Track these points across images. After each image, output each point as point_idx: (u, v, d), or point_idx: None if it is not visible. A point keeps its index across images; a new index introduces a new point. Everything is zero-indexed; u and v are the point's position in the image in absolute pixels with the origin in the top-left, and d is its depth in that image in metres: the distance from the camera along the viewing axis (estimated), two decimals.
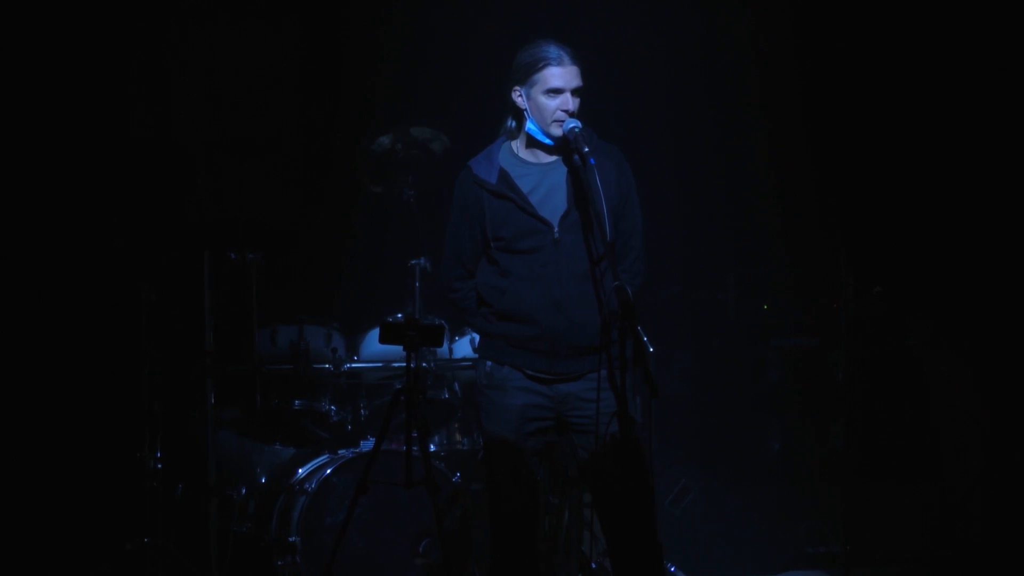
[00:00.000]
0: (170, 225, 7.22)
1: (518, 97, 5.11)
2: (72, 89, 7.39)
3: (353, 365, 6.90)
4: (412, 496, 5.58)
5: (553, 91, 5.04)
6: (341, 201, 7.70)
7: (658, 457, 5.34)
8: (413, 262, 6.84)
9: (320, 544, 6.25)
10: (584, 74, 5.06)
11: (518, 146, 5.19)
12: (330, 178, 7.68)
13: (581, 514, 6.86)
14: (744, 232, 7.83)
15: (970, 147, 7.80)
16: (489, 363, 5.18)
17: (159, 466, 6.91)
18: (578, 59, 5.06)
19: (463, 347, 7.02)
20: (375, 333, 6.75)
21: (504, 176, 5.13)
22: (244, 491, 6.93)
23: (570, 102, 5.05)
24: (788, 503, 7.45)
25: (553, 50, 5.05)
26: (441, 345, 5.65)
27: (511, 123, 5.19)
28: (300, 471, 6.68)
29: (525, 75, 5.08)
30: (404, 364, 5.41)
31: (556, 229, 5.09)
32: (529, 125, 5.13)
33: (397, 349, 5.50)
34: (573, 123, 5.06)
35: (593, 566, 6.66)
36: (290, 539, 6.38)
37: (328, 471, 6.50)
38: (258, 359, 6.80)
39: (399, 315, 6.70)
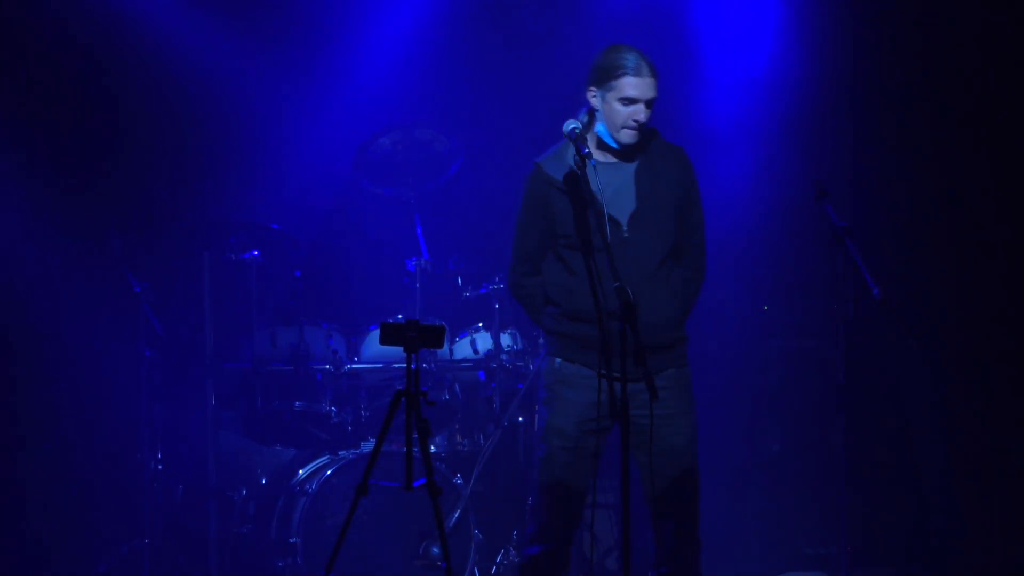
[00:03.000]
0: (169, 225, 7.21)
1: (592, 97, 5.15)
2: (66, 87, 7.43)
3: (353, 366, 6.92)
4: (413, 498, 5.55)
5: (627, 100, 5.07)
6: (341, 202, 7.70)
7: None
8: (413, 263, 6.87)
9: (321, 545, 6.25)
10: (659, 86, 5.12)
11: (588, 144, 5.19)
12: (330, 179, 7.68)
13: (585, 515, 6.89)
14: (744, 233, 7.81)
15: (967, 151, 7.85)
16: (558, 360, 5.22)
17: (159, 467, 6.95)
18: (656, 71, 5.10)
19: (463, 348, 7.06)
20: (375, 334, 6.80)
21: (573, 174, 5.15)
22: (244, 492, 6.94)
23: (642, 113, 5.08)
24: (788, 504, 7.46)
25: (632, 60, 5.08)
26: (442, 346, 5.63)
27: (583, 117, 5.19)
28: (300, 472, 6.70)
29: (602, 79, 5.11)
30: (404, 365, 5.38)
31: (625, 228, 5.12)
32: (599, 127, 5.16)
33: (397, 350, 5.46)
34: (574, 123, 5.07)
35: (593, 564, 6.68)
36: (291, 540, 6.40)
37: (329, 472, 6.52)
38: (258, 360, 6.81)
39: (399, 316, 6.70)
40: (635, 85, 5.06)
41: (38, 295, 7.27)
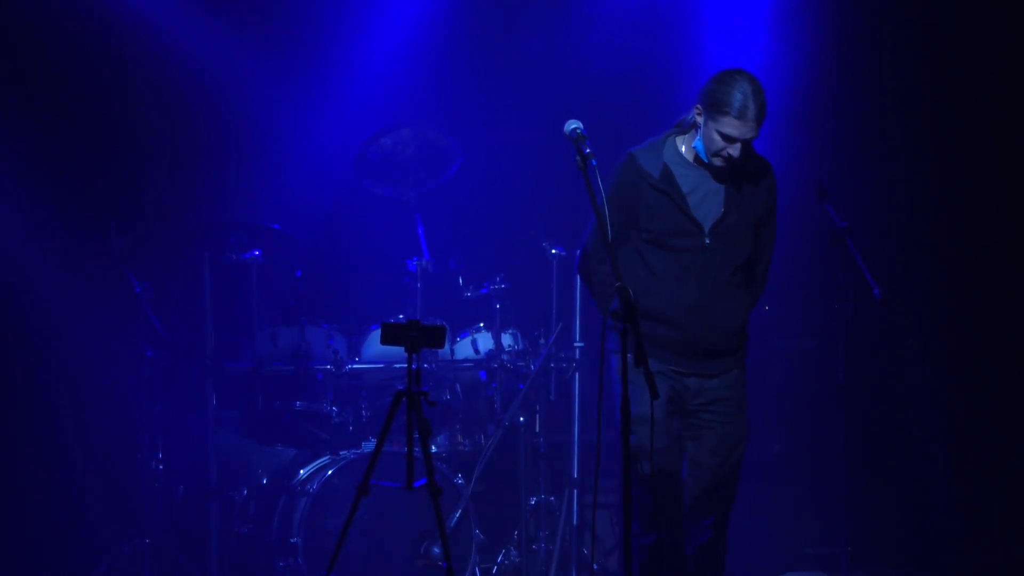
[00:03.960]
0: (169, 225, 7.21)
1: (698, 115, 5.21)
2: (66, 89, 7.43)
3: (354, 366, 6.91)
4: (414, 498, 5.56)
5: (726, 136, 5.13)
6: (342, 201, 7.71)
7: None
8: (414, 262, 6.87)
9: (322, 545, 6.25)
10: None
11: (685, 146, 5.29)
12: (331, 178, 7.68)
13: (582, 516, 6.88)
14: None
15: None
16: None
17: (160, 467, 6.95)
18: (763, 112, 5.13)
19: (464, 348, 7.05)
20: (376, 334, 6.81)
21: (667, 172, 5.25)
22: (245, 492, 6.93)
23: (737, 150, 5.14)
24: (788, 504, 7.45)
25: (739, 101, 5.10)
26: (443, 346, 5.64)
27: (691, 117, 5.26)
28: (302, 472, 6.70)
29: (708, 106, 5.16)
30: (405, 365, 5.38)
31: (707, 234, 5.22)
32: (697, 142, 5.24)
33: (398, 350, 5.47)
34: (575, 124, 5.06)
35: (595, 567, 6.67)
36: (292, 540, 6.40)
37: (329, 472, 6.52)
38: (259, 359, 6.81)
39: (400, 316, 6.69)
40: (736, 127, 5.12)
41: (39, 296, 7.28)
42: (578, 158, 4.97)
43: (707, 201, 5.25)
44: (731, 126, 5.11)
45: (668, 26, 7.95)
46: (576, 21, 7.86)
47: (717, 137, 5.14)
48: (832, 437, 6.80)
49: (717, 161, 5.19)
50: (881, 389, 7.85)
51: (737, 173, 5.25)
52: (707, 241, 5.22)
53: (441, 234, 7.26)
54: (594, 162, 4.96)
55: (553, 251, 7.01)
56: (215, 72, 7.62)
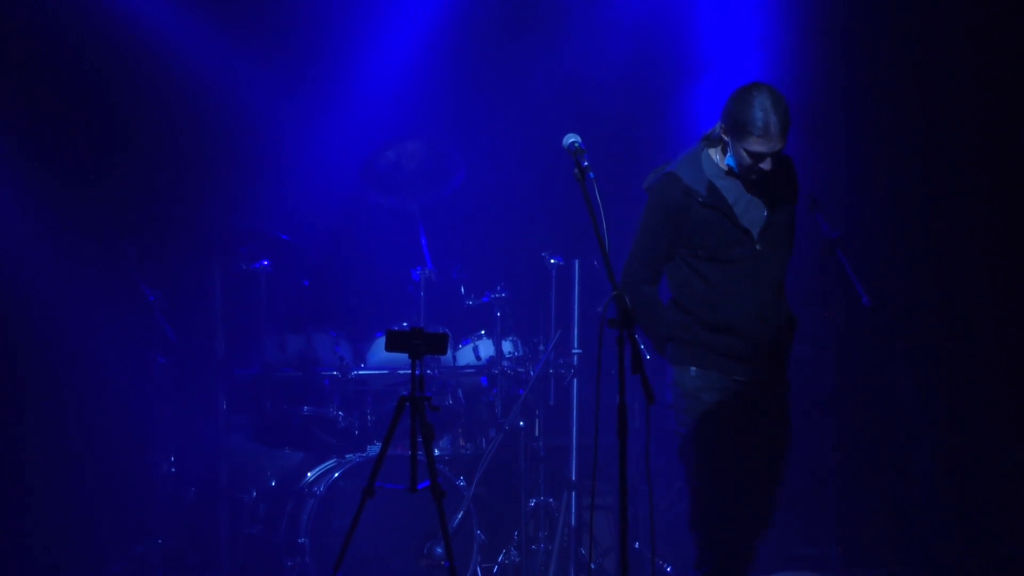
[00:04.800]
0: (181, 235, 7.23)
1: (724, 135, 5.19)
2: (80, 102, 7.44)
3: (360, 372, 6.91)
4: (417, 500, 5.58)
5: (753, 155, 5.11)
6: (348, 213, 7.72)
7: (654, 460, 5.36)
8: (417, 272, 6.90)
9: (328, 545, 6.23)
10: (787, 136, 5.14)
11: (719, 157, 5.25)
12: (337, 190, 7.69)
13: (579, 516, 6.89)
14: None
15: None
16: (693, 369, 5.25)
17: (172, 470, 6.97)
18: (786, 127, 5.10)
19: (466, 355, 7.06)
20: (381, 341, 6.77)
21: (712, 187, 5.21)
22: (254, 494, 6.93)
23: (768, 164, 5.12)
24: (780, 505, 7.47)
25: (760, 120, 5.06)
26: (445, 353, 5.66)
27: (717, 131, 5.24)
28: (309, 475, 6.70)
29: (732, 127, 5.13)
30: (409, 371, 5.41)
31: (756, 240, 5.20)
32: (729, 159, 5.22)
33: (403, 356, 5.50)
34: (574, 138, 5.09)
35: (592, 567, 6.69)
36: (299, 540, 6.39)
37: (336, 475, 6.51)
38: (267, 366, 6.82)
39: (404, 323, 6.72)
40: (762, 144, 5.08)
41: (54, 305, 7.26)
42: (576, 171, 4.96)
43: (751, 209, 5.22)
44: (757, 144, 5.07)
45: (660, 44, 7.91)
46: (573, 40, 7.81)
47: (746, 156, 5.10)
48: (823, 440, 6.80)
49: (752, 176, 5.17)
50: (870, 394, 7.82)
51: (771, 178, 5.21)
52: (758, 247, 5.20)
53: (444, 244, 7.27)
54: (592, 175, 4.95)
55: (552, 261, 6.99)
56: (225, 86, 7.62)
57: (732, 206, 5.20)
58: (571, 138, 5.04)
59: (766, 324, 5.21)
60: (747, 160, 5.13)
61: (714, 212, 5.19)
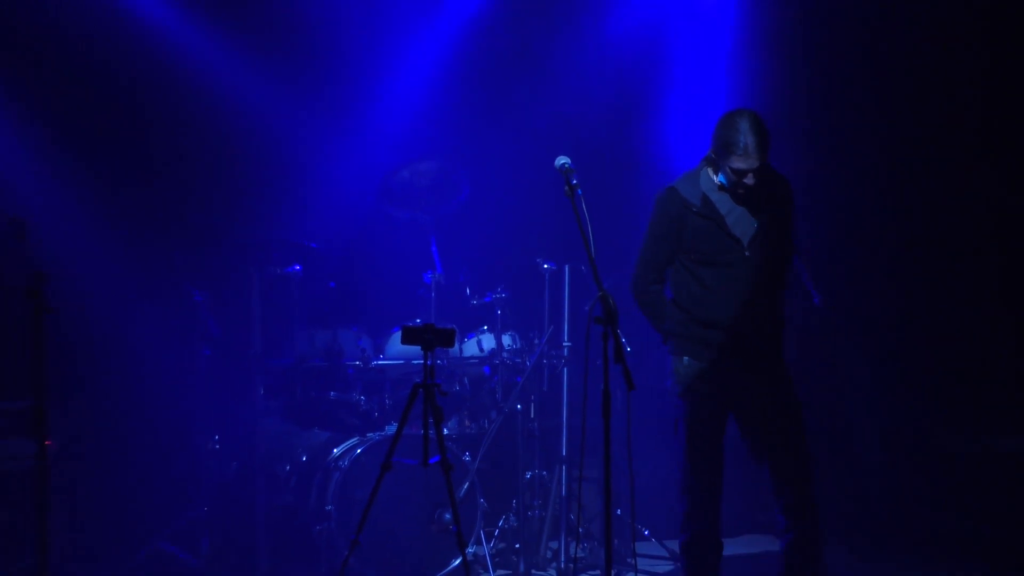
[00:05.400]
0: (224, 244, 7.22)
1: (714, 155, 5.24)
2: (143, 136, 7.48)
3: (379, 362, 6.91)
4: (429, 472, 5.58)
5: (737, 171, 5.17)
6: (368, 224, 7.71)
7: (634, 439, 5.36)
8: (428, 275, 6.89)
9: (351, 513, 6.23)
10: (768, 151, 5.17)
11: (714, 175, 5.30)
12: (359, 205, 7.68)
13: (571, 488, 6.88)
14: None
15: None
16: (687, 359, 5.32)
17: (216, 447, 6.98)
18: (764, 146, 5.14)
19: (471, 347, 7.05)
20: (397, 335, 6.81)
21: (706, 199, 5.26)
22: (288, 468, 6.92)
23: (751, 179, 5.17)
24: (745, 478, 7.44)
25: (740, 141, 5.13)
26: (453, 346, 5.65)
27: (711, 154, 5.29)
28: (335, 451, 6.69)
29: (719, 149, 5.20)
30: (422, 361, 5.41)
31: (746, 247, 5.23)
32: (721, 177, 5.26)
33: (416, 348, 5.49)
34: (564, 159, 5.08)
35: (581, 531, 6.69)
36: (326, 508, 6.38)
37: (358, 451, 6.50)
38: (299, 357, 6.81)
39: (417, 320, 6.71)
40: (743, 161, 5.15)
41: (116, 307, 7.28)
42: (566, 187, 5.03)
43: (742, 220, 5.26)
44: (739, 162, 5.14)
45: (633, 80, 7.91)
46: (561, 78, 7.80)
47: (731, 173, 5.18)
48: None
49: (740, 191, 5.22)
50: (823, 382, 7.83)
51: (762, 191, 5.25)
52: (747, 254, 5.23)
53: (452, 252, 7.26)
54: (580, 191, 5.00)
55: (545, 266, 6.97)
56: (262, 115, 7.62)
57: (724, 216, 5.25)
58: (562, 160, 5.09)
59: (754, 321, 5.25)
60: (732, 176, 5.19)
61: (707, 221, 5.25)
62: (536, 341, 7.01)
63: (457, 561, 6.35)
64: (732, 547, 6.08)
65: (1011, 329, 7.59)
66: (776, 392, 5.32)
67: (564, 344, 7.01)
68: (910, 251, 7.78)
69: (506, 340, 6.99)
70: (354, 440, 6.69)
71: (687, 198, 5.29)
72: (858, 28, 7.74)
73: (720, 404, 5.33)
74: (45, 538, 5.06)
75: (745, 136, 5.12)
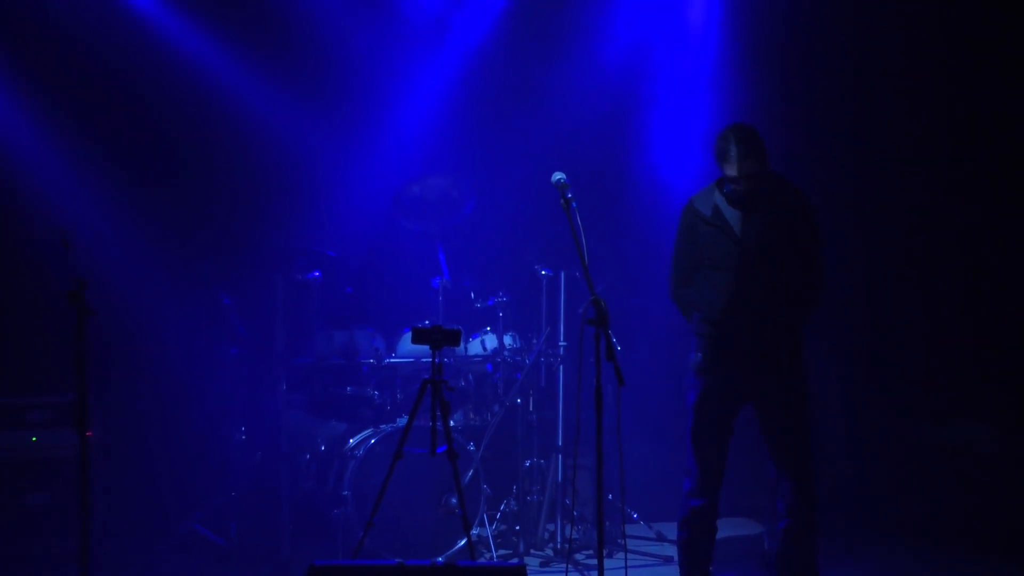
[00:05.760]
0: (250, 252, 7.23)
1: (719, 166, 5.27)
2: (177, 158, 7.50)
3: (391, 360, 6.91)
4: (436, 460, 5.58)
5: (730, 178, 5.21)
6: (382, 234, 7.71)
7: (623, 430, 5.34)
8: (436, 281, 6.90)
9: (366, 497, 6.22)
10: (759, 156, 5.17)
11: (727, 189, 5.31)
12: (374, 216, 7.69)
13: (566, 474, 6.87)
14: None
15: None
16: (700, 354, 5.34)
17: (243, 437, 6.98)
18: (750, 155, 5.16)
19: (475, 347, 7.04)
20: (408, 336, 6.75)
21: (716, 210, 5.27)
22: (308, 456, 6.93)
23: (742, 184, 5.19)
24: (727, 465, 7.42)
25: (732, 151, 5.17)
26: (458, 345, 5.65)
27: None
28: (351, 441, 6.69)
29: (716, 159, 5.25)
30: (430, 359, 5.42)
31: (752, 253, 5.22)
32: (728, 187, 5.28)
33: (425, 347, 5.50)
34: (559, 175, 5.09)
35: (575, 514, 6.68)
36: (343, 493, 6.39)
37: (372, 441, 6.51)
38: (318, 355, 6.82)
39: (426, 321, 6.72)
40: (733, 168, 5.18)
41: (153, 310, 7.32)
42: (562, 201, 5.04)
43: (749, 228, 5.24)
44: (729, 169, 5.18)
45: (621, 105, 7.89)
46: (557, 102, 7.79)
47: (727, 181, 5.22)
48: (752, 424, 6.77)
49: (735, 197, 5.24)
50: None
51: (762, 198, 5.25)
52: (749, 257, 5.21)
53: (458, 259, 7.24)
54: (574, 204, 5.02)
55: (543, 272, 6.96)
56: (285, 134, 7.63)
57: (730, 224, 5.25)
58: (557, 175, 5.10)
59: (758, 322, 5.22)
60: (728, 184, 5.22)
61: (715, 229, 5.27)
62: (534, 341, 7.01)
63: (462, 542, 6.35)
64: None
65: (967, 330, 7.57)
66: (780, 389, 5.29)
67: (560, 344, 7.02)
68: (875, 256, 7.76)
69: (507, 340, 6.98)
70: (368, 431, 6.68)
71: (699, 209, 5.33)
72: (831, 53, 7.72)
73: (726, 397, 5.31)
74: (87, 519, 5.09)
75: (732, 146, 5.15)
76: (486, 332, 7.07)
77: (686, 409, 5.45)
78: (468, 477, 6.50)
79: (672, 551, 6.88)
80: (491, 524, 6.72)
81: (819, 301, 5.39)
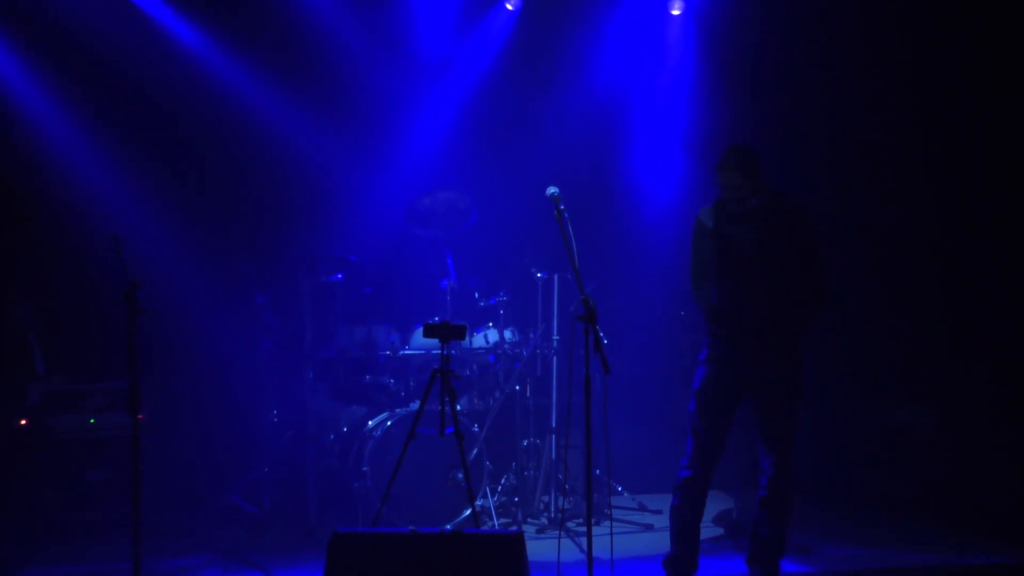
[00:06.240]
0: (281, 257, 7.23)
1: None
2: (214, 171, 7.50)
3: (405, 352, 6.89)
4: (445, 440, 5.59)
5: (723, 188, 5.22)
6: (397, 241, 7.71)
7: (610, 413, 5.36)
8: (445, 282, 6.91)
9: (383, 472, 6.21)
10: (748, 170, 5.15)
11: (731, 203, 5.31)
12: (390, 225, 7.68)
13: (560, 454, 6.89)
14: (666, 253, 7.73)
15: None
16: (705, 350, 5.33)
17: (275, 420, 6.98)
18: (736, 167, 5.15)
19: (479, 340, 7.02)
20: (420, 330, 6.81)
21: (719, 222, 5.26)
22: (332, 437, 6.92)
23: (731, 194, 5.19)
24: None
25: (722, 164, 5.18)
26: (464, 339, 5.65)
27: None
28: (370, 423, 6.69)
29: (714, 172, 5.24)
30: (440, 351, 5.43)
31: (749, 260, 5.20)
32: (724, 201, 5.28)
33: (434, 341, 5.51)
34: (553, 189, 5.10)
35: (567, 487, 6.69)
36: (363, 469, 6.38)
37: (389, 423, 6.50)
38: (341, 348, 6.81)
39: (436, 318, 6.73)
40: (723, 179, 5.19)
41: (196, 308, 7.29)
42: (555, 212, 5.05)
43: (747, 238, 5.22)
44: (720, 181, 5.19)
45: (609, 119, 7.87)
46: (551, 125, 7.78)
47: (723, 190, 5.23)
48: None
49: (728, 209, 5.23)
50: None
51: (770, 216, 5.22)
52: (750, 265, 5.19)
53: (463, 263, 7.24)
54: (566, 215, 5.03)
55: (538, 275, 6.97)
56: (313, 154, 7.61)
57: (729, 234, 5.22)
58: (552, 189, 5.11)
59: (751, 322, 5.20)
60: (722, 193, 5.22)
61: (717, 239, 5.25)
62: (531, 335, 7.01)
63: (468, 511, 6.36)
64: None
65: (905, 321, 7.55)
66: (771, 382, 5.24)
67: (554, 337, 7.02)
68: (832, 257, 7.74)
69: (507, 334, 6.98)
70: (385, 415, 6.68)
71: (705, 222, 5.31)
72: (802, 68, 7.68)
73: (727, 387, 5.28)
74: (138, 492, 5.10)
75: (724, 159, 5.18)
76: (488, 327, 7.06)
77: (690, 394, 5.44)
78: (473, 455, 6.51)
79: (652, 519, 6.92)
80: (493, 496, 6.73)
81: (822, 300, 5.28)
